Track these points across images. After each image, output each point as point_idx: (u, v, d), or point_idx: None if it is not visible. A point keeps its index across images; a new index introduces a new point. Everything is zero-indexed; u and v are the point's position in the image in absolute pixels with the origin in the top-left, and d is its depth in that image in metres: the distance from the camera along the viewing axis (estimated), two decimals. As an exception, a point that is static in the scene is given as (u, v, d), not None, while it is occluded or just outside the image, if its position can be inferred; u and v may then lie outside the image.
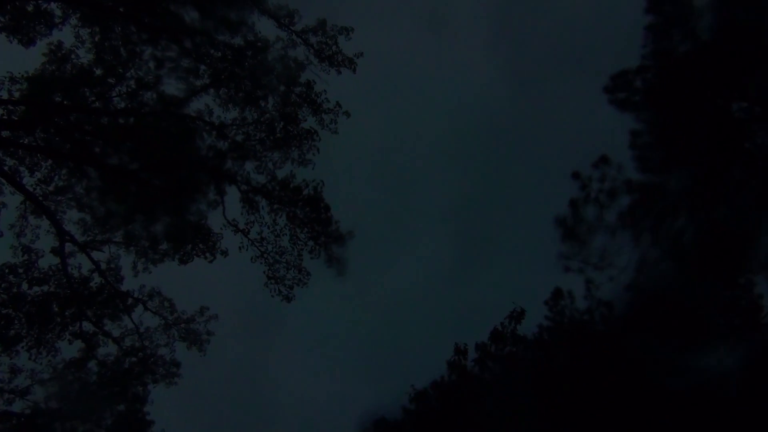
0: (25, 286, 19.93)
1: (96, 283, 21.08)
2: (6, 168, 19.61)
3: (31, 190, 19.90)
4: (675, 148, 21.18)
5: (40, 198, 20.06)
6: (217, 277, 21.33)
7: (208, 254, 20.00)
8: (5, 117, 18.89)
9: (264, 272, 20.10)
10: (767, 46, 19.63)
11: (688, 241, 18.68)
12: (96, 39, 21.01)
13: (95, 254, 21.20)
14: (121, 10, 20.24)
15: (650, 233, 19.24)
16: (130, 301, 21.39)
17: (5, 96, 19.24)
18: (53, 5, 20.10)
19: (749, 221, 18.51)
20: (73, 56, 21.13)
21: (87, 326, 20.78)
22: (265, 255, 20.02)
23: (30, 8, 19.92)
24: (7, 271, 19.87)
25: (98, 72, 21.13)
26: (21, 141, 19.37)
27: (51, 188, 20.01)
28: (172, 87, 20.87)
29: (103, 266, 21.27)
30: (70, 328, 20.44)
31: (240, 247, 19.98)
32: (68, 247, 20.60)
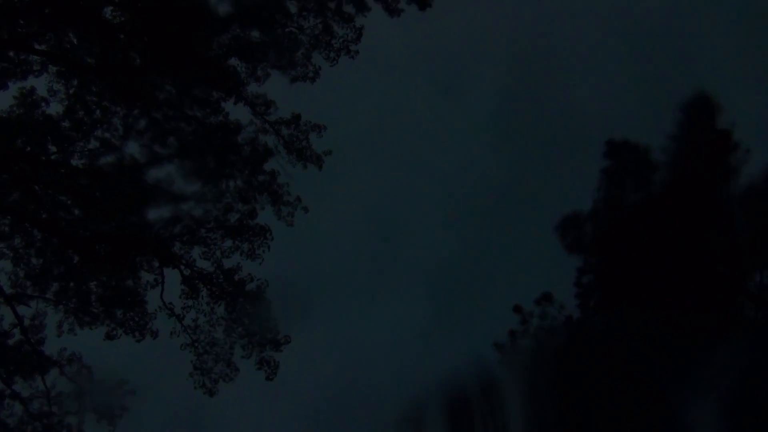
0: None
1: (15, 339, 20.07)
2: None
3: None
4: (615, 293, 21.38)
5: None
6: (146, 356, 20.44)
7: (137, 333, 19.22)
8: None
9: (191, 361, 19.32)
10: (717, 207, 20.05)
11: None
12: (71, 92, 20.72)
13: (21, 308, 20.27)
14: (100, 70, 20.05)
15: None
16: (47, 362, 20.35)
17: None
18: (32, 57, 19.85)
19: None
20: (43, 104, 20.77)
21: (-5, 382, 19.70)
22: (196, 344, 19.32)
23: (10, 54, 19.66)
24: None
25: (66, 125, 20.75)
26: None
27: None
28: (137, 151, 20.56)
29: (27, 322, 20.32)
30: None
31: (171, 332, 19.26)
32: (-7, 298, 19.71)
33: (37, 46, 19.82)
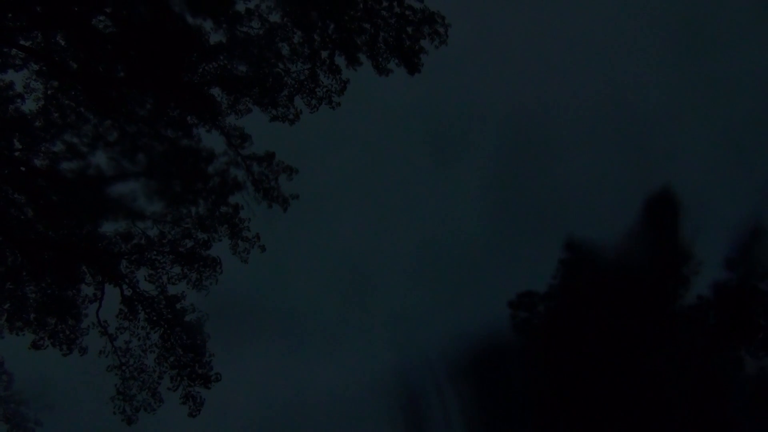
0: None
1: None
2: None
3: None
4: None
5: None
6: (71, 372, 19.67)
7: (65, 346, 18.52)
8: None
9: (116, 385, 18.60)
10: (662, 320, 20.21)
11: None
12: (48, 92, 20.50)
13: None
14: (82, 76, 19.91)
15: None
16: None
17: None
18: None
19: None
20: (18, 100, 20.50)
21: None
22: (124, 367, 18.64)
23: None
24: None
25: (37, 124, 20.45)
26: None
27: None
28: (104, 162, 20.25)
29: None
30: None
31: (101, 352, 18.59)
32: None
33: (22, 42, 19.69)
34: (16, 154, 20.29)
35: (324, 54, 20.91)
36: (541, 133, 25.92)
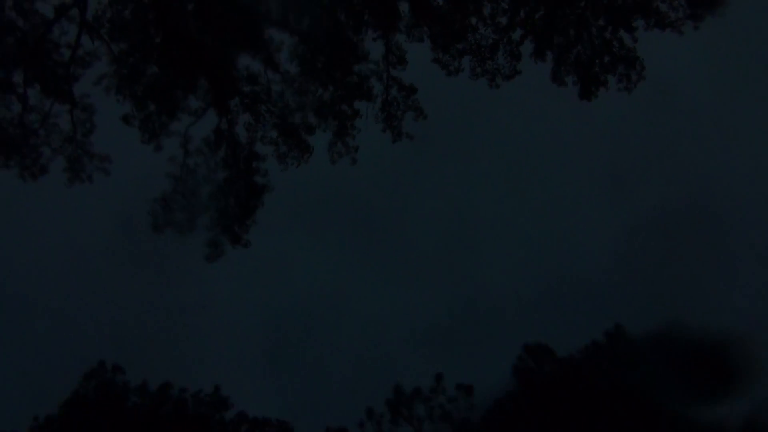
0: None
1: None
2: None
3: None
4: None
5: None
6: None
7: (147, 135, 19.14)
8: None
9: (164, 191, 19.10)
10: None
11: None
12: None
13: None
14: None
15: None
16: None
17: None
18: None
19: None
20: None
21: None
22: (179, 181, 19.14)
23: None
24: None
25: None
26: None
27: None
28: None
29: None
30: None
31: (170, 158, 19.15)
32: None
33: None
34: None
35: (515, 35, 20.36)
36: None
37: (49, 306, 20.76)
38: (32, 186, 19.54)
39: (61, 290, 20.50)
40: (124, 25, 18.96)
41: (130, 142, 19.46)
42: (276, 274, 22.65)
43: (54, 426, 18.68)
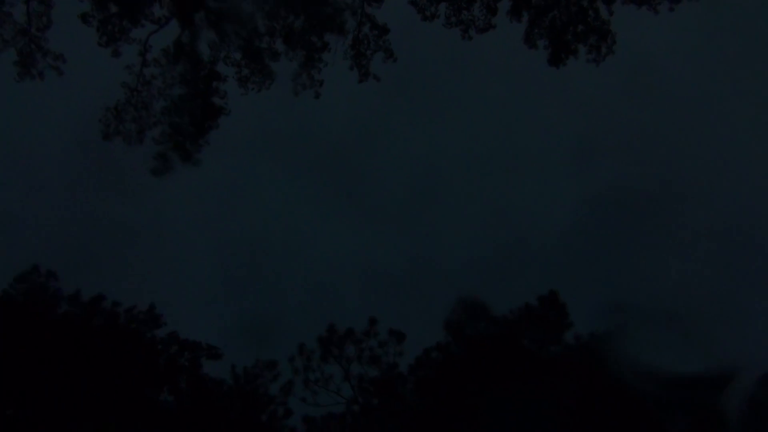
0: None
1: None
2: None
3: None
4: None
5: None
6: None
7: (105, 38, 18.46)
8: None
9: (117, 99, 18.52)
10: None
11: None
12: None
13: None
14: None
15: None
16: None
17: None
18: None
19: None
20: None
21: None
22: (134, 92, 18.53)
23: None
24: None
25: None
26: None
27: None
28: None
29: None
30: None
31: (128, 66, 18.49)
32: None
33: None
34: None
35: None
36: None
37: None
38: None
39: (1, 187, 19.98)
40: None
41: (87, 43, 18.76)
42: (233, 201, 22.30)
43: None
